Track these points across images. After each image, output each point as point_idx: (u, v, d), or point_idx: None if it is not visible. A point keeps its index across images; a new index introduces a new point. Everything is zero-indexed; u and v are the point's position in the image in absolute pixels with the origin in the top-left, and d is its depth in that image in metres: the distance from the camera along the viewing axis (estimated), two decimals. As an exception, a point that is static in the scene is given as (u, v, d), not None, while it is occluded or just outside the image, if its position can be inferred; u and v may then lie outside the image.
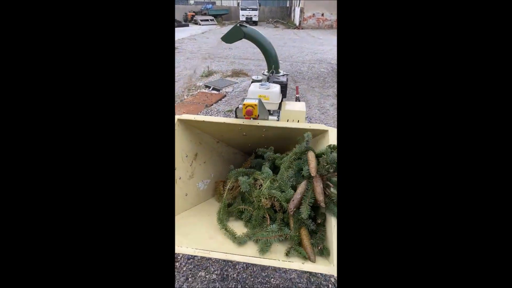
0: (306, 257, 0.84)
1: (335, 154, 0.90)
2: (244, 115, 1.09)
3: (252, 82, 2.00)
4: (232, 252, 0.81)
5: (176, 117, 1.11)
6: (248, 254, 0.80)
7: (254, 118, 1.11)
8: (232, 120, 1.13)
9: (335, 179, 0.94)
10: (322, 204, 0.89)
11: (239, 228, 1.05)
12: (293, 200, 0.92)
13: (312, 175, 0.92)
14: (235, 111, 1.16)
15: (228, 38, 2.10)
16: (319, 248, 0.87)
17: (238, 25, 2.02)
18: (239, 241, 0.94)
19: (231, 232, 1.00)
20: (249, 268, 1.87)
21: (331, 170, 0.91)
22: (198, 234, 0.96)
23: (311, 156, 0.96)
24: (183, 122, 1.13)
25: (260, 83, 1.83)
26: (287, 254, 0.86)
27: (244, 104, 1.08)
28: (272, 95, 1.66)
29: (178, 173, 1.11)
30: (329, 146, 0.98)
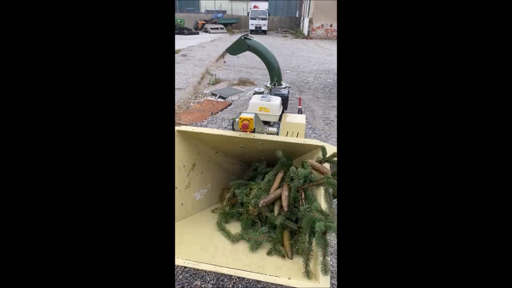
0: (284, 255, 0.96)
1: (303, 170, 1.06)
2: (240, 129, 1.12)
3: (254, 93, 2.04)
4: (222, 265, 0.82)
5: (176, 128, 1.14)
6: (238, 267, 0.81)
7: (250, 132, 1.13)
8: (229, 132, 1.15)
9: (309, 192, 1.08)
10: (285, 208, 1.03)
11: (238, 229, 1.17)
12: (264, 198, 1.09)
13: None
14: (232, 124, 1.19)
15: (233, 50, 2.16)
16: (297, 248, 0.98)
17: (242, 37, 2.07)
18: (233, 239, 1.07)
19: (227, 232, 1.13)
20: (245, 279, 1.86)
21: (302, 182, 1.06)
22: (190, 244, 0.98)
23: (277, 176, 1.16)
24: (182, 133, 1.16)
25: (261, 95, 1.86)
26: (269, 253, 0.98)
27: (240, 118, 1.11)
28: (273, 107, 1.69)
29: (175, 183, 1.14)
30: (302, 161, 1.11)
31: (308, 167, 1.08)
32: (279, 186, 1.14)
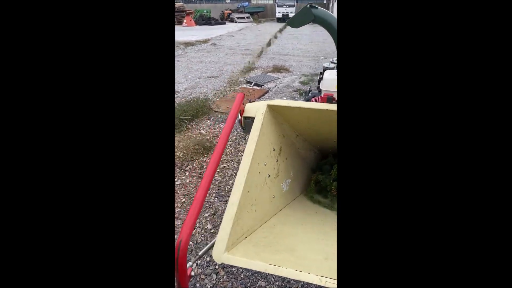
0: None
1: None
2: None
3: (324, 70, 1.77)
4: None
5: (266, 102, 0.92)
6: None
7: None
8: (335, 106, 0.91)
9: None
10: None
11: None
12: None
13: None
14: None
15: (296, 22, 1.88)
16: None
17: (308, 6, 1.80)
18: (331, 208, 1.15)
19: (324, 204, 1.17)
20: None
21: None
22: (309, 252, 0.75)
23: None
24: (273, 108, 0.93)
25: (334, 70, 1.59)
26: None
27: None
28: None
29: (267, 170, 0.92)
30: None
31: None
32: None
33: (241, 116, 1.00)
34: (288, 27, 1.97)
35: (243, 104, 0.98)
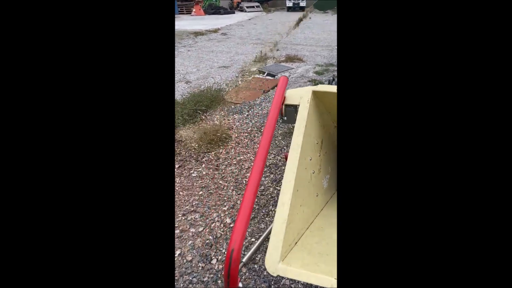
0: None
1: None
2: None
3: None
4: None
5: (310, 88, 0.81)
6: None
7: None
8: None
9: None
10: None
11: None
12: None
13: None
14: None
15: (323, 5, 1.75)
16: None
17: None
18: None
19: None
20: (342, 281, 1.56)
21: None
22: None
23: None
24: (317, 95, 0.82)
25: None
26: None
27: None
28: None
29: (312, 165, 0.82)
30: None
31: None
32: None
33: (282, 104, 0.88)
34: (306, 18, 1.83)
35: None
